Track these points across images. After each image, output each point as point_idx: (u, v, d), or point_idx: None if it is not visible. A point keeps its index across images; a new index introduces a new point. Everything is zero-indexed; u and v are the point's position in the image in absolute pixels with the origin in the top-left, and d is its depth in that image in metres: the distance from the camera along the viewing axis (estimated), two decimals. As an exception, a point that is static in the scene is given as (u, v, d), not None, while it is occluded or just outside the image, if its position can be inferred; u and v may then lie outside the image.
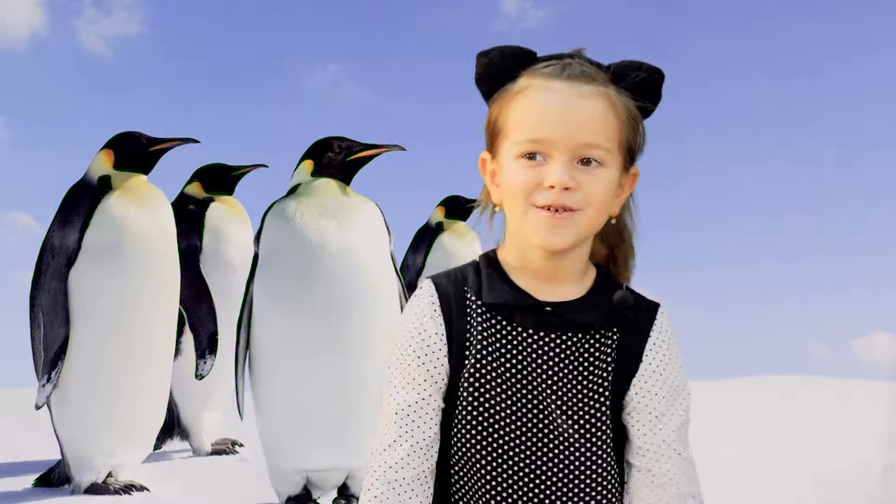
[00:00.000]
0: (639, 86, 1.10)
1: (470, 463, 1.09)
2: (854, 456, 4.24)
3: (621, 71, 1.09)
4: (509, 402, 1.07)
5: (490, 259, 1.14)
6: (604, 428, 1.08)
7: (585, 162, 1.05)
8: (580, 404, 1.07)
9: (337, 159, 3.49)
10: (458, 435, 1.10)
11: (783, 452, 4.64)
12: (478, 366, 1.08)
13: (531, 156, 1.06)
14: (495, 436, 1.07)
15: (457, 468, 1.11)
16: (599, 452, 1.08)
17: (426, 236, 5.31)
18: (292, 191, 3.46)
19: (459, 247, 5.18)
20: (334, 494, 3.37)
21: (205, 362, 4.26)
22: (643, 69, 1.10)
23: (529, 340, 1.08)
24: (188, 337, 4.41)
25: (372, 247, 3.36)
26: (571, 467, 1.07)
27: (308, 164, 3.50)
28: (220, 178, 4.89)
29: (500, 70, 1.10)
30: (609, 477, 1.10)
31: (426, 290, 1.12)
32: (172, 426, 4.65)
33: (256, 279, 3.32)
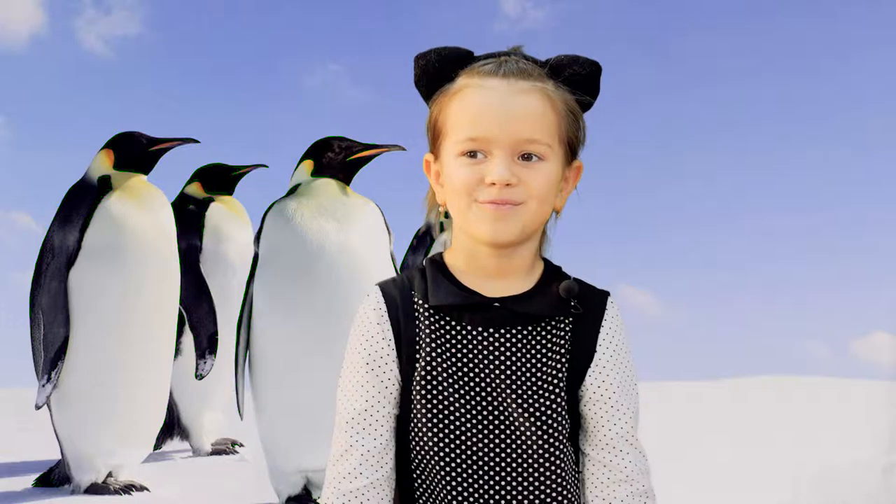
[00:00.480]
0: (576, 80, 1.10)
1: (430, 465, 1.09)
2: (854, 456, 4.24)
3: (558, 66, 1.10)
4: (463, 402, 1.07)
5: (435, 262, 1.15)
6: (560, 420, 1.09)
7: (526, 157, 1.06)
8: (535, 396, 1.08)
9: (337, 159, 3.49)
10: (416, 438, 1.10)
11: (783, 452, 4.64)
12: (428, 368, 1.08)
13: (472, 154, 1.07)
14: (451, 436, 1.08)
15: (417, 471, 1.11)
16: (556, 444, 1.08)
17: (426, 236, 5.32)
18: (292, 191, 3.46)
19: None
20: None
21: (205, 362, 4.26)
22: (579, 63, 1.11)
23: (480, 338, 1.08)
24: (188, 337, 4.41)
25: (372, 247, 3.36)
26: (530, 461, 1.07)
27: (308, 164, 3.51)
28: (220, 178, 4.89)
29: (437, 71, 1.12)
30: (566, 468, 1.10)
31: (372, 298, 1.13)
32: (172, 426, 4.65)
33: (256, 279, 3.32)
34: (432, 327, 1.09)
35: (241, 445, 4.88)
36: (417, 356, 1.09)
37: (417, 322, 1.10)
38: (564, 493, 1.09)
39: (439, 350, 1.08)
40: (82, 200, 3.62)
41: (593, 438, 1.12)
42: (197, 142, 3.96)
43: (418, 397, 1.09)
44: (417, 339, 1.10)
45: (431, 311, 1.10)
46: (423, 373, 1.08)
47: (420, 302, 1.11)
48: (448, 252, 1.15)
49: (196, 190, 4.85)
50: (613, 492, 1.11)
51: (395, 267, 3.46)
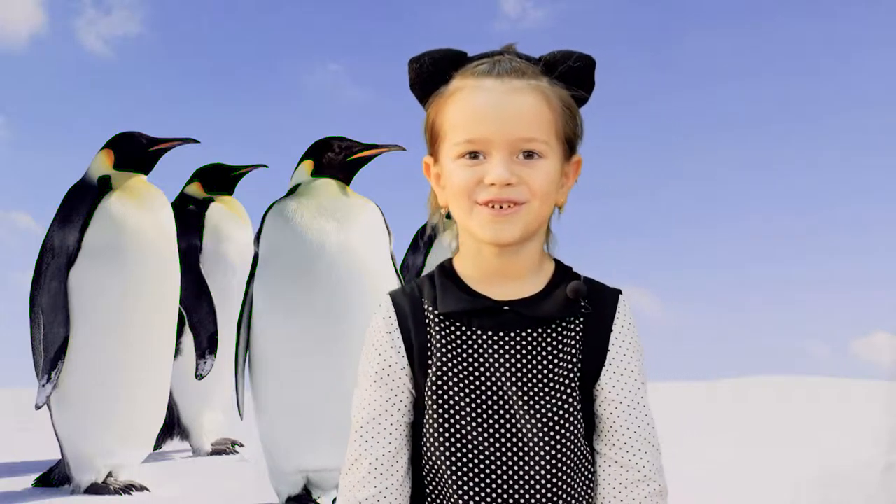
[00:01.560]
0: (571, 75, 1.10)
1: (440, 471, 1.09)
2: (854, 456, 4.24)
3: (552, 62, 1.10)
4: (474, 406, 1.07)
5: (444, 268, 1.15)
6: (573, 421, 1.08)
7: (526, 155, 1.07)
8: (546, 398, 1.07)
9: (337, 159, 3.49)
10: (427, 444, 1.10)
11: (783, 452, 4.64)
12: (440, 373, 1.08)
13: (471, 155, 1.07)
14: (463, 441, 1.07)
15: (429, 478, 1.11)
16: (568, 445, 1.08)
17: (427, 236, 5.31)
18: (292, 191, 3.46)
19: (459, 247, 5.18)
20: (334, 494, 3.37)
21: (205, 362, 4.26)
22: (573, 58, 1.11)
23: (490, 342, 1.08)
24: (188, 337, 4.41)
25: (372, 247, 3.36)
26: (542, 462, 1.07)
27: (308, 164, 3.50)
28: (220, 178, 4.89)
29: (431, 74, 1.12)
30: (578, 471, 1.09)
31: (383, 308, 1.14)
32: (172, 426, 4.65)
33: (256, 279, 3.32)
34: (442, 333, 1.10)
35: (241, 445, 4.88)
36: (429, 363, 1.09)
37: (428, 329, 1.11)
38: (575, 495, 1.09)
39: (450, 356, 1.09)
40: (82, 200, 3.62)
41: (610, 438, 1.11)
42: (197, 142, 3.97)
43: (430, 403, 1.09)
44: (429, 346, 1.10)
45: (441, 318, 1.10)
46: (434, 379, 1.08)
47: (430, 309, 1.11)
48: (456, 257, 1.15)
49: (196, 190, 4.85)
50: (631, 492, 1.10)
51: (395, 267, 3.46)
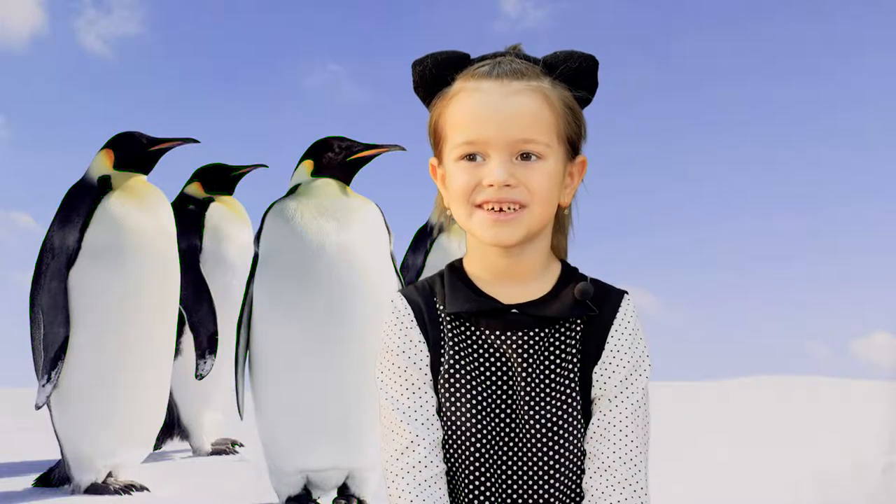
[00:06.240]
0: (572, 75, 1.10)
1: (449, 464, 1.11)
2: (854, 456, 4.24)
3: (553, 63, 1.10)
4: (482, 405, 1.09)
5: (454, 268, 1.16)
6: (573, 417, 1.09)
7: (525, 157, 1.07)
8: (549, 396, 1.09)
9: (337, 159, 3.49)
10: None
11: (783, 452, 4.64)
12: (451, 370, 1.10)
13: (471, 157, 1.08)
14: (472, 437, 1.09)
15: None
16: (571, 439, 1.09)
17: (426, 236, 5.31)
18: (292, 191, 3.46)
19: (459, 247, 5.18)
20: (334, 494, 3.37)
21: (205, 362, 4.26)
22: (574, 58, 1.11)
23: (498, 342, 1.10)
24: (188, 337, 4.41)
25: (372, 247, 3.35)
26: (539, 463, 1.08)
27: (308, 164, 3.50)
28: (220, 178, 4.89)
29: (434, 76, 1.12)
30: (575, 475, 1.11)
31: (400, 304, 1.14)
32: (172, 426, 4.65)
33: (256, 279, 3.32)
34: (453, 332, 1.11)
35: (241, 445, 4.88)
36: (441, 359, 1.11)
37: (441, 327, 1.12)
38: (570, 495, 1.10)
39: (461, 354, 1.10)
40: (82, 200, 3.62)
41: (589, 432, 1.12)
42: (197, 142, 3.96)
43: (442, 399, 1.11)
44: (442, 342, 1.11)
45: (452, 317, 1.12)
46: (446, 375, 1.10)
47: (442, 308, 1.13)
48: (465, 258, 1.16)
49: (196, 190, 4.84)
50: (590, 479, 1.10)
51: (395, 267, 3.46)
